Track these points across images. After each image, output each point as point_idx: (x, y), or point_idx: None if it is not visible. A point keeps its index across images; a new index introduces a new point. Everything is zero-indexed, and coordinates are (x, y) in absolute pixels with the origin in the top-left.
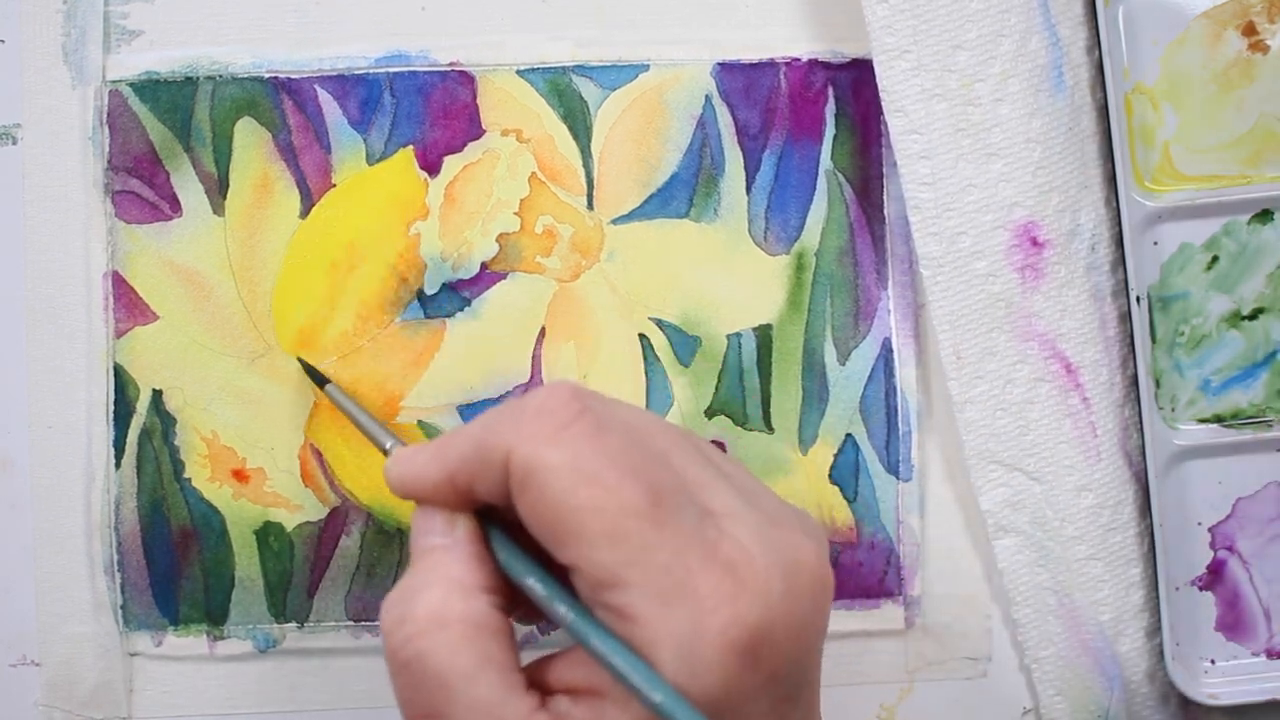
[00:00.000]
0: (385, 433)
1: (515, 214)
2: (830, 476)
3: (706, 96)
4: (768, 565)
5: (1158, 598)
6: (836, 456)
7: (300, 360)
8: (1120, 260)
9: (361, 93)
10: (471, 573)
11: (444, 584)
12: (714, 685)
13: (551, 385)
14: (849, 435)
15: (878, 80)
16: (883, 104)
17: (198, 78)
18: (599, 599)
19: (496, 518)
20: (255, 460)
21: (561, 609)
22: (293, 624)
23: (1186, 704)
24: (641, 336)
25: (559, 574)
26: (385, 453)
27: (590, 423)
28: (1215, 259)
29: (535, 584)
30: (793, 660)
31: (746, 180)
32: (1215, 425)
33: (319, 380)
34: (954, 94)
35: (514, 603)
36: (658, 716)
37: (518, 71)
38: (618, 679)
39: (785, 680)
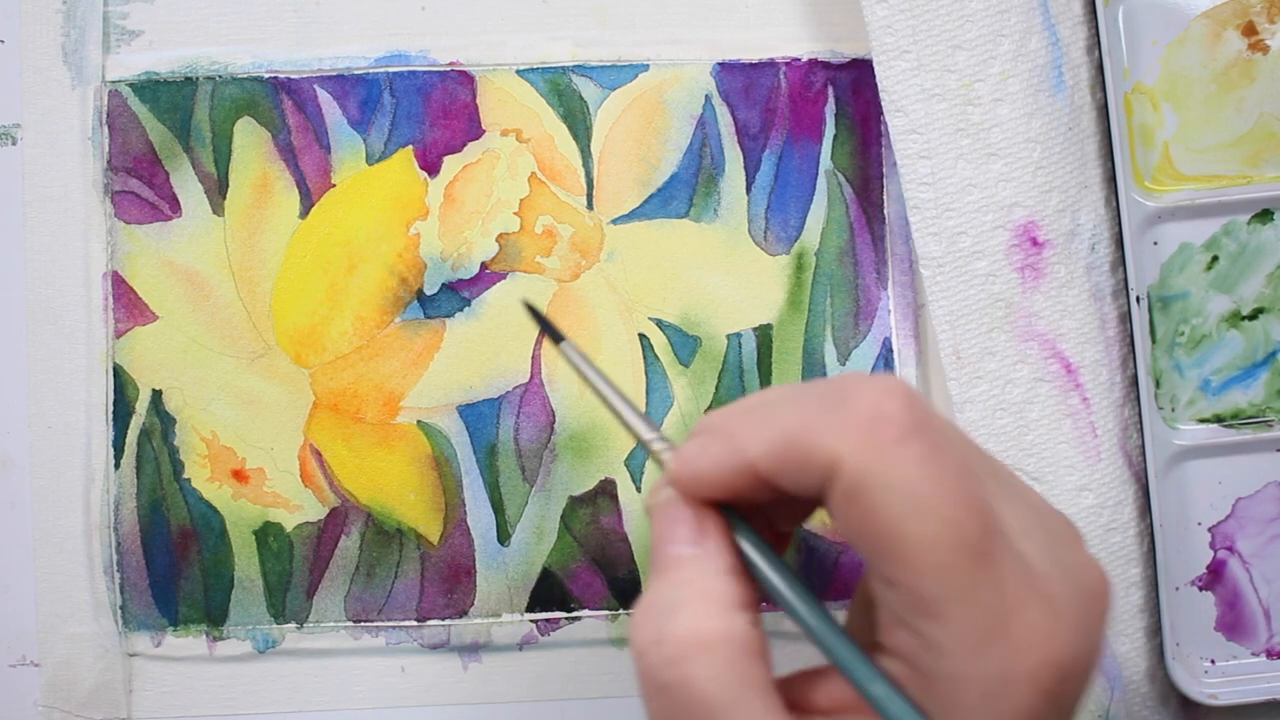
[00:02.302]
0: (645, 422)
1: (515, 214)
2: None
3: (706, 96)
4: (1068, 596)
5: (1158, 598)
6: None
7: (529, 307)
8: (1120, 260)
9: (361, 93)
10: (728, 587)
11: (701, 601)
12: None
13: (883, 384)
14: None
15: (877, 80)
16: (882, 104)
17: (197, 78)
18: (911, 623)
19: (738, 508)
20: (255, 460)
21: (843, 651)
22: (292, 624)
23: (1186, 704)
24: (641, 336)
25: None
26: (644, 444)
27: (930, 442)
28: (1215, 259)
29: (806, 615)
30: (1079, 694)
31: (746, 180)
32: (1215, 425)
33: (555, 337)
34: (954, 94)
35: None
36: None
37: (517, 71)
38: None
39: (1070, 711)
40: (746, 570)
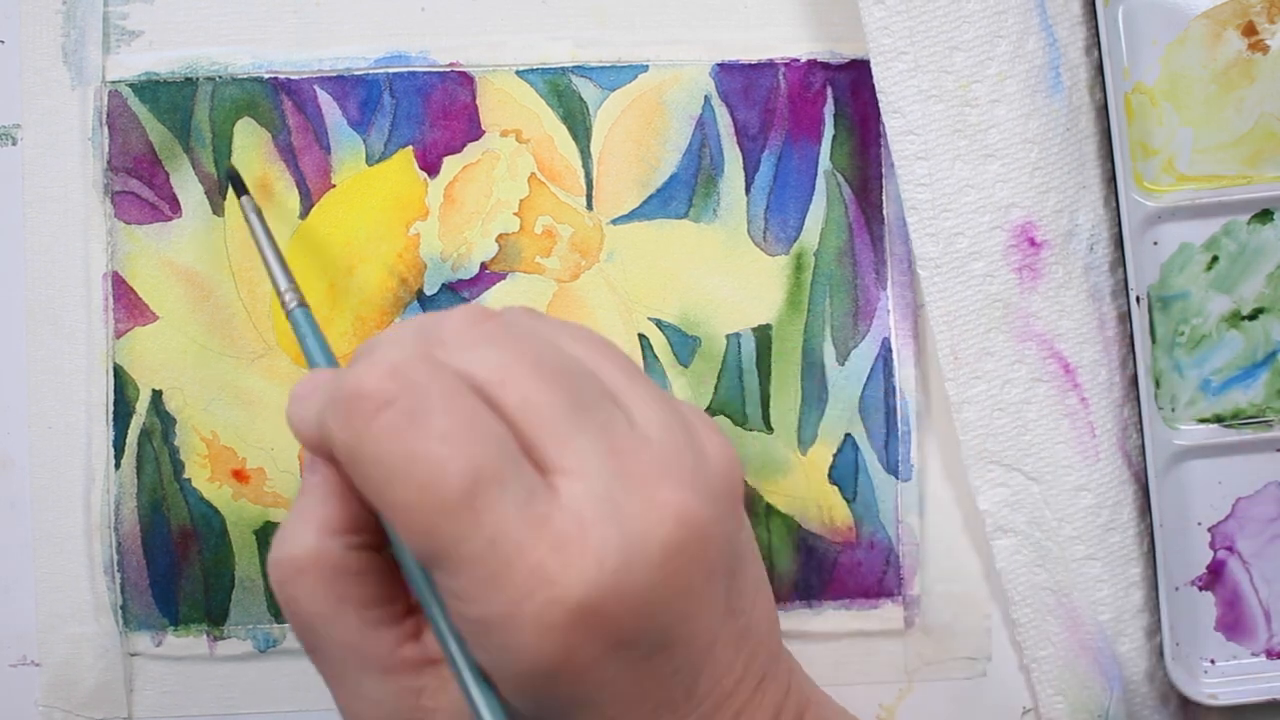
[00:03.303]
0: (287, 279)
1: (515, 214)
2: (829, 476)
3: (706, 97)
4: (603, 535)
5: (1157, 598)
6: (836, 456)
7: (229, 167)
8: (1119, 260)
9: (361, 93)
10: (334, 513)
11: (308, 526)
12: (539, 662)
13: (370, 358)
14: (848, 435)
15: (875, 81)
16: (880, 105)
17: (197, 78)
18: (434, 576)
19: None
20: (255, 460)
21: (413, 569)
22: None
23: (1186, 704)
24: (641, 336)
25: None
26: (280, 299)
27: (406, 405)
28: (1215, 259)
29: (399, 551)
30: (641, 627)
31: (746, 180)
32: (1215, 425)
33: (239, 188)
34: (951, 95)
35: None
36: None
37: (517, 72)
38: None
39: (639, 644)
40: (355, 494)
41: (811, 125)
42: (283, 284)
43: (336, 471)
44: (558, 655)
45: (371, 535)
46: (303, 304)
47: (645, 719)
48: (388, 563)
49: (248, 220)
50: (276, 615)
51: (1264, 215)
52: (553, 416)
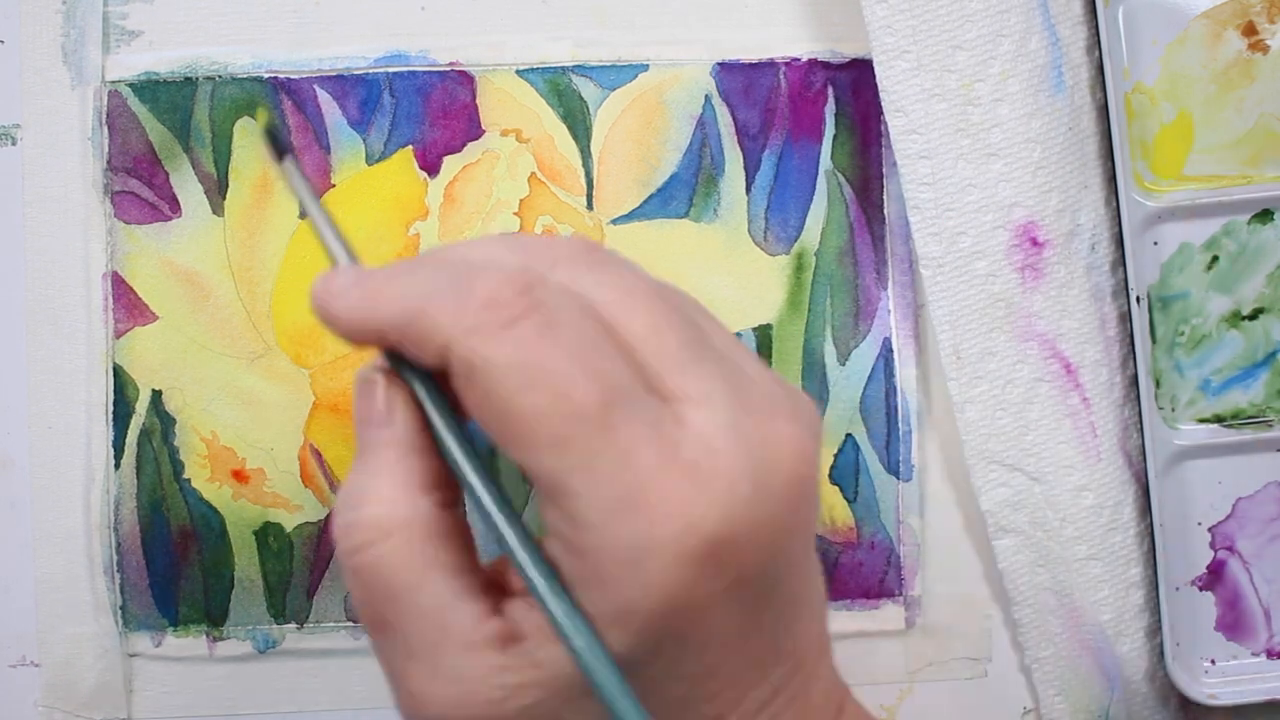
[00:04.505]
0: (340, 242)
1: (515, 214)
2: (830, 476)
3: (706, 96)
4: (733, 464)
5: (1158, 598)
6: (836, 456)
7: (267, 128)
8: (1120, 260)
9: (361, 93)
10: (414, 470)
11: (386, 485)
12: (667, 597)
13: (500, 270)
14: (849, 435)
15: (877, 80)
16: (882, 104)
17: (197, 78)
18: (550, 499)
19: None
20: (255, 461)
21: (509, 535)
22: (292, 624)
23: (1186, 704)
24: None
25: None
26: (331, 261)
27: (540, 319)
28: (1215, 259)
29: (481, 493)
30: (762, 564)
31: (746, 180)
32: (1215, 425)
33: (279, 151)
34: (953, 94)
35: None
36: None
37: (517, 72)
38: (544, 615)
39: (755, 583)
40: (433, 446)
41: (812, 125)
42: (341, 255)
43: (412, 420)
44: (685, 588)
45: (454, 494)
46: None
47: (739, 672)
48: (469, 530)
49: (293, 186)
50: (276, 616)
51: (1264, 215)
52: (676, 345)
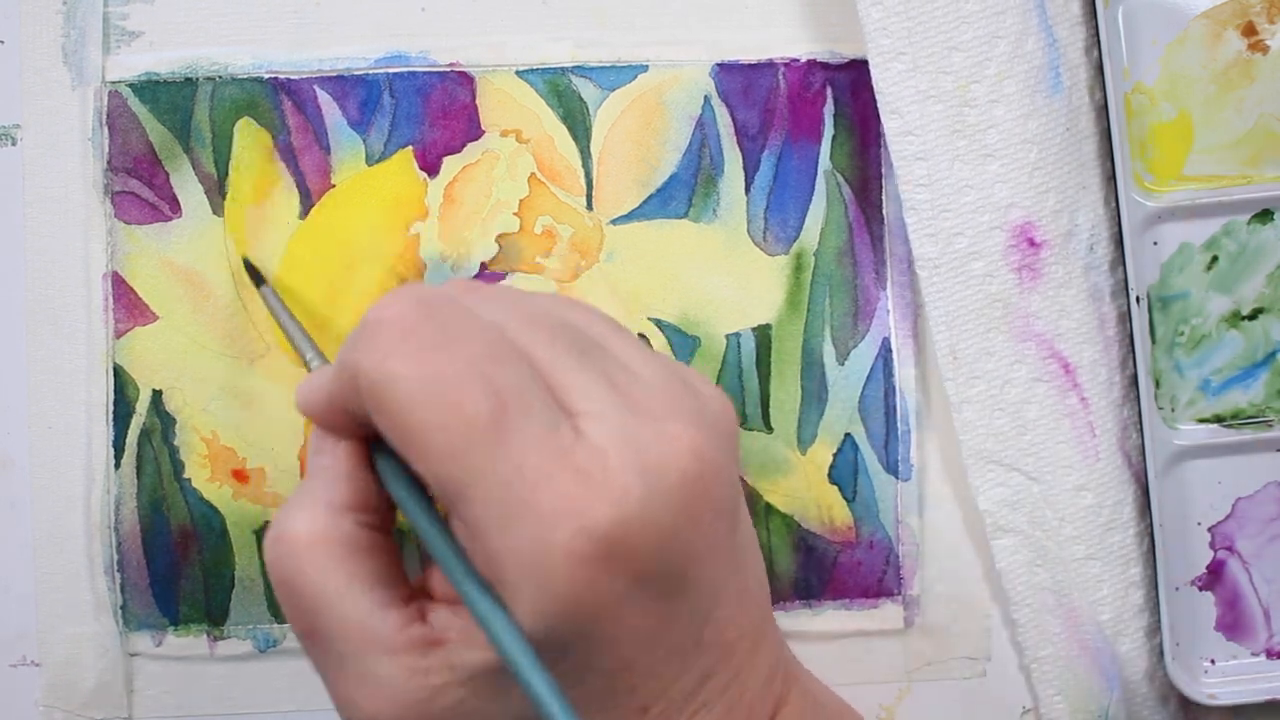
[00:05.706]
0: (311, 347)
1: (514, 214)
2: (829, 476)
3: (705, 97)
4: (624, 468)
5: (1157, 598)
6: (835, 456)
7: (245, 260)
8: (1118, 260)
9: (361, 93)
10: (344, 492)
11: (316, 504)
12: (566, 598)
13: (394, 293)
14: (848, 435)
15: (873, 82)
16: (878, 105)
17: (197, 78)
18: (452, 509)
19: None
20: (255, 460)
21: (427, 528)
22: None
23: (1186, 704)
24: (641, 336)
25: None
26: (307, 367)
27: (432, 331)
28: (1215, 259)
29: (410, 507)
30: (665, 561)
31: (745, 180)
32: (1215, 425)
33: (257, 280)
34: (950, 95)
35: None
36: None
37: (517, 72)
38: (472, 614)
39: (659, 580)
40: (366, 475)
41: (811, 125)
42: (315, 362)
43: (347, 450)
44: (583, 589)
45: (380, 517)
46: (325, 360)
47: (658, 664)
48: (395, 547)
49: (269, 307)
50: (277, 615)
51: (1264, 215)
52: (561, 362)
